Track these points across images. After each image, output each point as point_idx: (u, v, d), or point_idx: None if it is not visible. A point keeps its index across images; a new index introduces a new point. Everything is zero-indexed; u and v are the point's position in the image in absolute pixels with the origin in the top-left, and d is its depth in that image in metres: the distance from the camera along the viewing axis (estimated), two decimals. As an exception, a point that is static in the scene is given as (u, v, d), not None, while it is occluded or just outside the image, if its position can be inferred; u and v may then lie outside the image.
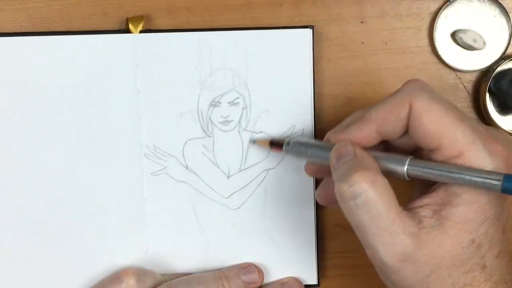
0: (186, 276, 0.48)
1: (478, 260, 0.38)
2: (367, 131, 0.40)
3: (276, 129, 0.49)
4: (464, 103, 0.50)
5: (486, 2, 0.49)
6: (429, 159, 0.39)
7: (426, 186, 0.41)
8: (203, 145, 0.49)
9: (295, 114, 0.49)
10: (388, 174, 0.39)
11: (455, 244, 0.37)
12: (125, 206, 0.49)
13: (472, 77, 0.50)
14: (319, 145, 0.43)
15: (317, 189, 0.46)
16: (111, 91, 0.48)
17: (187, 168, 0.49)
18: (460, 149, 0.37)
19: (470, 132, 0.38)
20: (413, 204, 0.39)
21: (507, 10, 0.49)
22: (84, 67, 0.48)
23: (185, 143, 0.49)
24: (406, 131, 0.40)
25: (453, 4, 0.49)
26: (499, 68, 0.49)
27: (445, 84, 0.50)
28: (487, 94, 0.49)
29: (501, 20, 0.49)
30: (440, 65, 0.50)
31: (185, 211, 0.49)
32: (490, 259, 0.38)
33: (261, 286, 0.49)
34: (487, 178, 0.36)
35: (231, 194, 0.49)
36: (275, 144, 0.47)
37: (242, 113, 0.49)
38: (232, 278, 0.48)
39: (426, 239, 0.37)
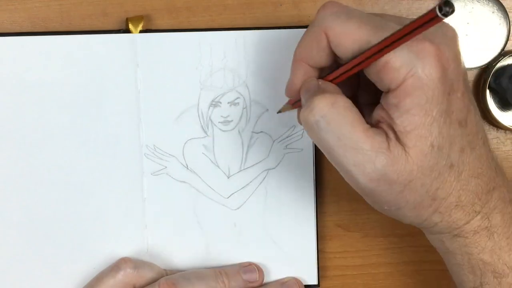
0: (186, 271, 0.49)
1: (444, 162, 0.37)
2: (302, 70, 0.40)
3: (276, 129, 0.49)
4: (464, 103, 0.50)
5: (484, -1, 0.49)
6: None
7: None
8: (203, 145, 0.49)
9: (295, 114, 0.49)
10: None
11: (418, 153, 0.37)
12: (125, 206, 0.49)
13: (472, 75, 0.50)
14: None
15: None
16: (111, 91, 0.48)
17: (187, 168, 0.49)
18: (384, 60, 0.36)
19: (387, 35, 0.36)
20: (371, 120, 0.39)
21: (505, 7, 0.49)
22: (84, 67, 0.48)
23: (185, 143, 0.49)
24: (333, 56, 0.40)
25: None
26: (499, 65, 0.49)
27: (445, 84, 0.50)
28: (487, 91, 0.49)
29: (499, 16, 0.49)
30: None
31: (185, 211, 0.49)
32: (455, 157, 0.38)
33: (261, 285, 0.49)
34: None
35: (231, 194, 0.49)
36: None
37: (242, 113, 0.49)
38: (232, 275, 0.48)
39: (395, 154, 0.37)
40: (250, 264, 0.49)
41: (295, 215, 0.49)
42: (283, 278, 0.50)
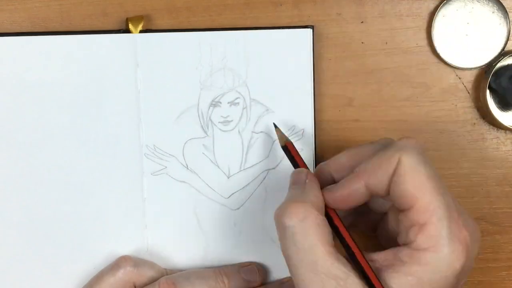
0: (186, 271, 0.49)
1: None
2: (355, 186, 0.40)
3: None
4: (464, 102, 0.50)
5: (484, -2, 0.49)
6: (397, 219, 0.40)
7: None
8: (203, 145, 0.49)
9: (295, 114, 0.49)
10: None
11: None
12: (125, 206, 0.49)
13: (472, 77, 0.50)
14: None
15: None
16: (111, 91, 0.48)
17: (187, 168, 0.49)
18: (426, 219, 0.37)
19: (443, 207, 0.37)
20: (368, 256, 0.39)
21: (505, 7, 0.49)
22: (84, 67, 0.48)
23: (185, 143, 0.49)
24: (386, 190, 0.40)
25: (450, 2, 0.49)
26: (499, 65, 0.49)
27: (445, 84, 0.50)
28: (488, 91, 0.49)
29: (500, 16, 0.49)
30: (441, 65, 0.50)
31: (185, 211, 0.49)
32: None
33: (260, 285, 0.49)
34: None
35: (231, 194, 0.49)
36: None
37: (242, 113, 0.49)
38: (232, 275, 0.48)
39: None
40: (250, 264, 0.49)
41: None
42: (283, 278, 0.50)
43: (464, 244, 0.37)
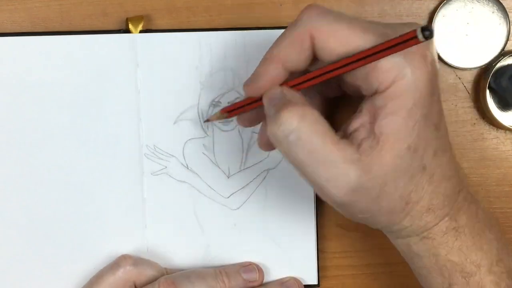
0: (186, 270, 0.49)
1: (417, 164, 0.37)
2: (274, 70, 0.39)
3: (276, 129, 0.49)
4: (465, 102, 0.50)
5: (484, -2, 0.49)
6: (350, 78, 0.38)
7: (354, 108, 0.40)
8: (203, 145, 0.49)
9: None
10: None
11: (394, 156, 0.36)
12: (125, 206, 0.49)
13: (472, 77, 0.50)
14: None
15: (257, 136, 0.44)
16: (111, 91, 0.48)
17: (187, 168, 0.49)
18: (374, 63, 0.36)
19: (378, 39, 0.36)
20: (348, 129, 0.38)
21: (505, 7, 0.49)
22: (84, 67, 0.48)
23: (185, 143, 0.49)
24: (311, 61, 0.39)
25: (450, 2, 0.49)
26: (499, 65, 0.49)
27: (445, 84, 0.50)
28: (487, 91, 0.49)
29: (499, 16, 0.49)
30: (440, 65, 0.50)
31: (185, 211, 0.49)
32: (428, 159, 0.38)
33: (261, 285, 0.49)
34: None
35: (231, 194, 0.49)
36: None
37: (242, 113, 0.49)
38: (232, 275, 0.48)
39: (368, 162, 0.36)
40: (250, 263, 0.49)
41: (295, 215, 0.49)
42: (283, 278, 0.50)
43: (420, 52, 0.36)
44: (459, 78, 0.50)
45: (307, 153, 0.36)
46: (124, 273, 0.47)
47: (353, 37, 0.37)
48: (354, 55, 0.36)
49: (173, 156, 0.49)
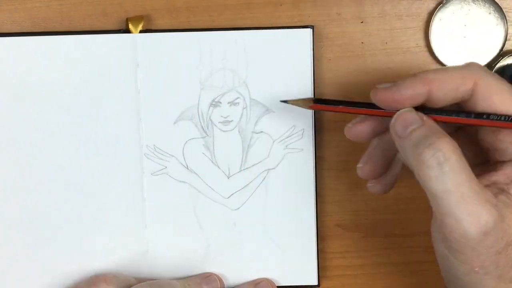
0: (151, 281, 0.48)
1: None
2: (419, 90, 0.39)
3: (277, 129, 0.49)
4: (464, 103, 0.50)
5: (480, 0, 0.49)
6: (491, 137, 0.40)
7: (488, 166, 0.40)
8: (203, 145, 0.49)
9: (295, 114, 0.49)
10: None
11: None
12: (125, 206, 0.49)
13: (472, 77, 0.50)
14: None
15: (361, 162, 0.44)
16: (111, 91, 0.48)
17: (187, 168, 0.49)
18: None
19: None
20: (481, 182, 0.38)
21: (501, 7, 0.49)
22: (84, 67, 0.48)
23: (185, 143, 0.49)
24: (451, 103, 0.40)
25: (446, 5, 0.49)
26: (498, 65, 0.49)
27: (445, 84, 0.50)
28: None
29: (496, 17, 0.49)
30: (441, 65, 0.50)
31: (185, 211, 0.49)
32: None
33: None
34: None
35: (231, 194, 0.49)
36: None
37: (242, 113, 0.49)
38: (194, 286, 0.48)
39: (504, 213, 0.37)
40: (211, 274, 0.49)
41: (295, 215, 0.49)
42: (257, 279, 0.50)
43: None
44: (459, 78, 0.50)
45: (456, 185, 0.36)
46: None
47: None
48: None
49: (173, 156, 0.49)
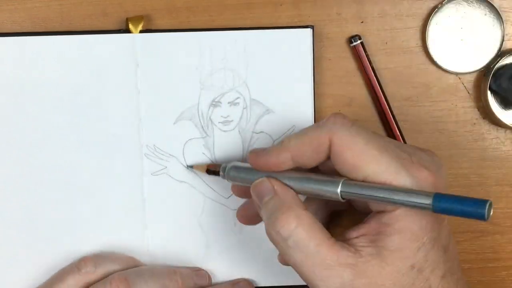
0: (141, 267, 0.48)
1: (422, 284, 0.38)
2: (283, 158, 0.41)
3: (276, 129, 0.49)
4: (465, 103, 0.50)
5: (474, 2, 0.49)
6: None
7: (358, 217, 0.41)
8: (203, 145, 0.49)
9: (295, 114, 0.49)
10: (321, 196, 0.40)
11: (394, 271, 0.38)
12: (125, 206, 0.49)
13: (472, 77, 0.50)
14: (247, 169, 0.44)
15: (238, 209, 0.47)
16: (111, 91, 0.48)
17: (187, 168, 0.49)
18: (385, 180, 0.38)
19: (393, 161, 0.38)
20: (349, 235, 0.40)
21: (496, 7, 0.49)
22: (84, 67, 0.48)
23: (185, 143, 0.49)
24: (322, 161, 0.41)
25: (441, 9, 0.49)
26: (497, 66, 0.49)
27: (445, 84, 0.50)
28: (489, 92, 0.49)
29: (492, 18, 0.49)
30: (440, 70, 0.50)
31: (185, 211, 0.49)
32: (435, 281, 0.39)
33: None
34: (417, 199, 0.36)
35: (231, 194, 0.49)
36: (212, 171, 0.47)
37: (242, 113, 0.49)
38: (186, 276, 0.48)
39: (365, 268, 0.38)
40: (200, 269, 0.49)
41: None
42: (235, 280, 0.50)
43: (428, 181, 0.38)
44: (459, 78, 0.50)
45: (304, 256, 0.38)
46: (85, 275, 0.47)
47: (368, 153, 0.38)
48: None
49: (173, 156, 0.49)
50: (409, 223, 0.38)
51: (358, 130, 0.40)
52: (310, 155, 0.40)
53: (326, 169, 0.43)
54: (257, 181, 0.42)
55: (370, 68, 0.49)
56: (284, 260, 0.40)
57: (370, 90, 0.49)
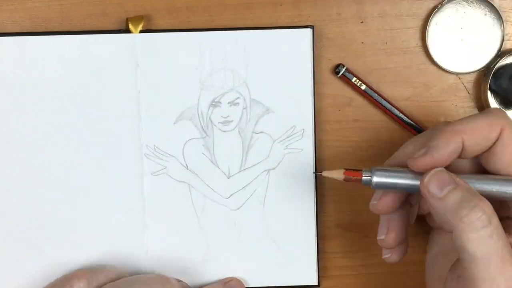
0: (130, 277, 0.47)
1: None
2: (454, 146, 0.39)
3: (276, 129, 0.49)
4: (465, 103, 0.50)
5: (474, 2, 0.49)
6: None
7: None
8: (203, 145, 0.49)
9: (295, 114, 0.49)
10: (501, 198, 0.39)
11: None
12: (125, 206, 0.49)
13: (472, 77, 0.50)
14: (405, 174, 0.41)
15: (376, 200, 0.43)
16: (111, 91, 0.48)
17: (187, 168, 0.49)
18: None
19: None
20: None
21: (496, 7, 0.49)
22: (84, 67, 0.48)
23: (185, 143, 0.49)
24: (481, 152, 0.39)
25: (441, 9, 0.49)
26: (497, 66, 0.49)
27: (445, 84, 0.50)
28: (489, 92, 0.49)
29: (492, 18, 0.49)
30: (440, 70, 0.50)
31: (185, 211, 0.49)
32: None
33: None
34: None
35: (231, 195, 0.49)
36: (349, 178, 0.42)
37: (242, 113, 0.49)
38: (177, 284, 0.48)
39: None
40: (231, 279, 0.49)
41: (295, 215, 0.49)
42: (226, 278, 0.50)
43: None
44: (459, 78, 0.50)
45: (498, 247, 0.36)
46: None
47: None
48: None
49: (173, 156, 0.49)
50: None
51: None
52: (480, 142, 0.38)
53: (460, 167, 0.41)
54: (435, 170, 0.38)
55: (364, 90, 0.49)
56: (470, 250, 0.36)
57: (376, 107, 0.50)
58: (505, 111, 0.40)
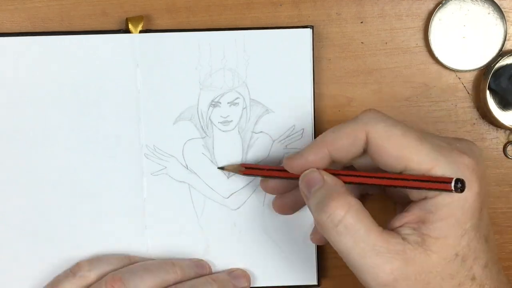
0: (134, 265, 0.48)
1: (466, 273, 0.39)
2: (321, 154, 0.41)
3: (276, 129, 0.49)
4: (464, 102, 0.50)
5: (478, 0, 0.49)
6: None
7: (401, 206, 0.42)
8: (203, 145, 0.49)
9: (295, 114, 0.49)
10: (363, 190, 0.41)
11: (440, 258, 0.38)
12: (125, 206, 0.49)
13: (472, 77, 0.50)
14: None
15: (274, 200, 0.48)
16: (111, 91, 0.48)
17: (187, 168, 0.49)
18: (426, 168, 0.38)
19: (432, 150, 0.38)
20: (393, 224, 0.40)
21: (500, 7, 0.49)
22: (84, 67, 0.48)
23: (185, 143, 0.49)
24: (357, 156, 0.41)
25: (446, 6, 0.49)
26: (498, 65, 0.49)
27: (445, 84, 0.50)
28: (488, 92, 0.49)
29: (495, 17, 0.49)
30: (440, 65, 0.50)
31: (185, 211, 0.49)
32: (478, 270, 0.39)
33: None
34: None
35: (231, 194, 0.49)
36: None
37: (242, 113, 0.49)
38: (186, 267, 0.48)
39: (413, 255, 0.38)
40: (201, 260, 0.49)
41: (295, 215, 0.49)
42: (232, 268, 0.50)
43: (469, 167, 0.38)
44: (459, 78, 0.50)
45: (353, 242, 0.38)
46: (80, 279, 0.47)
47: (408, 143, 0.39)
48: (407, 175, 0.39)
49: (173, 156, 0.49)
50: (452, 209, 0.38)
51: (394, 122, 0.40)
52: (348, 149, 0.40)
53: (360, 167, 0.43)
54: (307, 171, 0.41)
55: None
56: (334, 247, 0.39)
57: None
58: (375, 113, 0.41)
